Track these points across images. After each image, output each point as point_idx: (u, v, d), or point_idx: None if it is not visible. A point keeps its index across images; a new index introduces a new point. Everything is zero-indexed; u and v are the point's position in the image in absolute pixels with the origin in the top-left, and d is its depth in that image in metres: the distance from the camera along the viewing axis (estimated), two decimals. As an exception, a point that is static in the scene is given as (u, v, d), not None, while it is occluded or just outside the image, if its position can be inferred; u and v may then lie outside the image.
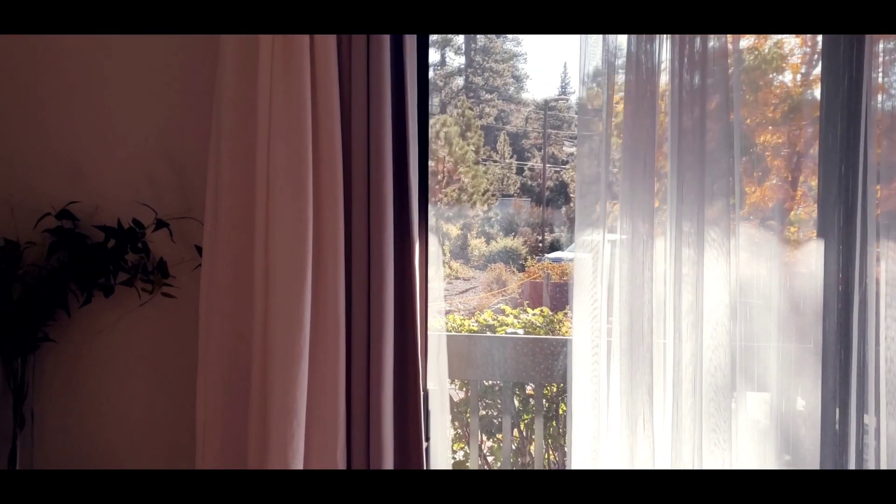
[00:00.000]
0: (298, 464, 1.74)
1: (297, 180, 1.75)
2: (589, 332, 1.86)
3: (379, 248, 1.81)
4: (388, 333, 1.82)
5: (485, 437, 3.24)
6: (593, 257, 1.84)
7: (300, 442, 1.74)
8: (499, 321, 3.39)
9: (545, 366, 2.08)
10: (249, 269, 1.81)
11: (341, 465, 1.79)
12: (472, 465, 2.73)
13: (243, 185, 1.81)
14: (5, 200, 1.96)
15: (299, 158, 1.75)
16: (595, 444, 1.86)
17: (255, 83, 1.77)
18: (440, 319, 2.13)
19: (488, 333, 3.25)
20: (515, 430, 3.12)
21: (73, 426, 2.02)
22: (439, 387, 2.09)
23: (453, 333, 2.76)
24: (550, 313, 3.50)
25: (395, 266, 1.83)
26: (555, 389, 3.07)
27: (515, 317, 3.45)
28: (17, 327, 1.89)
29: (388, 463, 1.80)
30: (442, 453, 2.03)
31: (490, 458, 3.29)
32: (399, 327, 1.85)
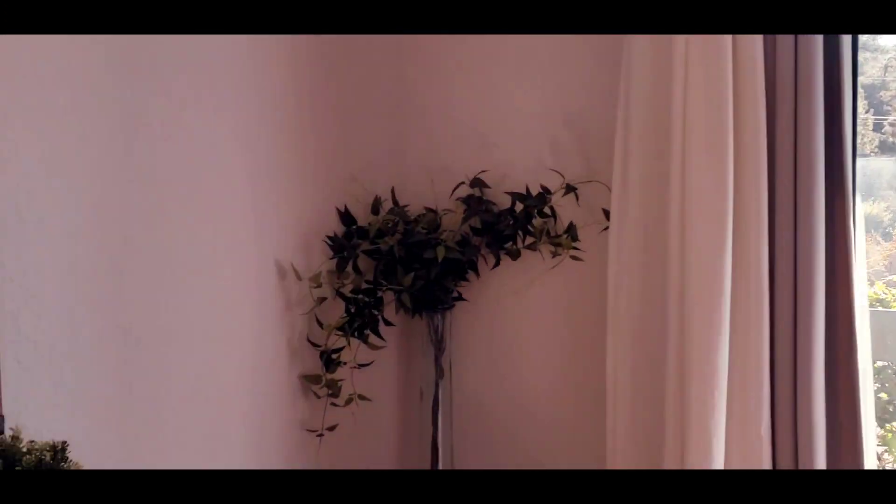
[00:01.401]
0: (720, 435, 1.68)
1: (715, 146, 1.70)
2: None
3: (807, 211, 1.67)
4: (819, 304, 1.67)
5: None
6: None
7: (721, 413, 1.68)
8: (893, 295, 2.96)
9: None
10: (661, 233, 1.78)
11: (766, 440, 1.69)
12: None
13: (655, 153, 1.79)
14: (426, 172, 2.16)
15: (718, 125, 1.69)
16: None
17: (670, 47, 1.72)
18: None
19: (880, 308, 2.86)
20: (917, 421, 2.72)
21: (485, 378, 2.18)
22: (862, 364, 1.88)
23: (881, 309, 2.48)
24: (964, 288, 2.97)
25: (826, 229, 1.68)
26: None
27: (918, 290, 2.99)
28: (437, 287, 2.09)
29: (820, 443, 1.66)
30: (869, 432, 1.83)
31: (879, 449, 2.92)
32: (829, 296, 1.69)
